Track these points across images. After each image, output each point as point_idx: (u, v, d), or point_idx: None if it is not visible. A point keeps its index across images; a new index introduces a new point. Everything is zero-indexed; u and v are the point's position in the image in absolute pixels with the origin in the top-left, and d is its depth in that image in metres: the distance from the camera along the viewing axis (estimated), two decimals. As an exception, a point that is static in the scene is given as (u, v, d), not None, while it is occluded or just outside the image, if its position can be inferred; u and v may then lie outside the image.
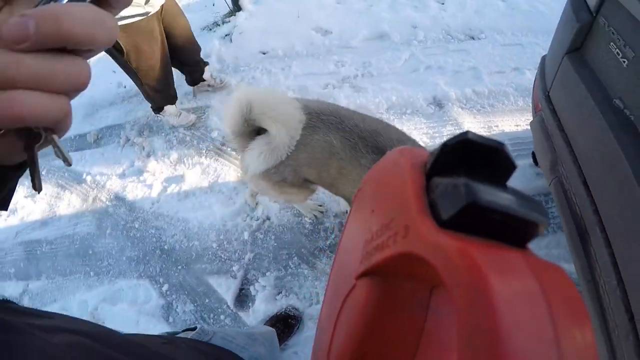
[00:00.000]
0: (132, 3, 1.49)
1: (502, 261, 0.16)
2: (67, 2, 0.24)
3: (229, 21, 3.09)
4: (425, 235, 0.17)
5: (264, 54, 2.73)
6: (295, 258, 1.75)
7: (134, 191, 2.15)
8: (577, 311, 0.15)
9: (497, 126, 2.12)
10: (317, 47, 2.67)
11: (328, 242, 1.78)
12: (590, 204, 1.11)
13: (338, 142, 1.17)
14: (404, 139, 1.23)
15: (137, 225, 2.02)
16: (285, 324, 1.54)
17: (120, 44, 1.71)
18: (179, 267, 1.84)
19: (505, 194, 0.17)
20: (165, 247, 1.91)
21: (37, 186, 0.28)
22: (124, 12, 1.58)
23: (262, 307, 1.64)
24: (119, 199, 2.15)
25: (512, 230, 0.17)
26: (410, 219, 0.18)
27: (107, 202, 2.15)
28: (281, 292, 1.68)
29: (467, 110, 2.17)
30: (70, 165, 0.29)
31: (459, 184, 0.17)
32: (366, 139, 1.15)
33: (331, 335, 0.26)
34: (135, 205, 2.10)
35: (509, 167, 0.19)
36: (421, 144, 2.03)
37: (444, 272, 0.16)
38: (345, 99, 2.27)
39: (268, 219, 1.88)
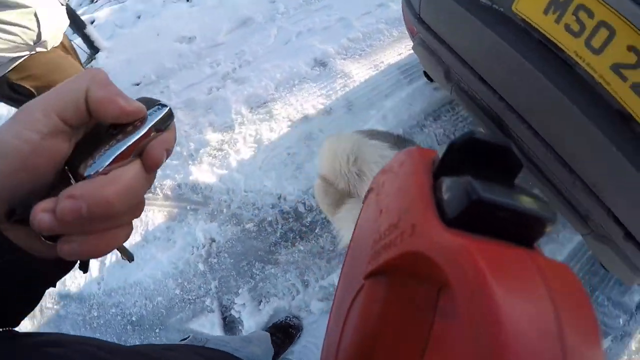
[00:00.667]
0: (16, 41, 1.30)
1: (506, 259, 0.16)
2: (117, 166, 0.26)
3: (92, 66, 2.88)
4: (431, 233, 0.17)
5: (137, 84, 2.59)
6: (257, 264, 1.77)
7: (74, 282, 2.01)
8: (583, 310, 0.15)
9: (382, 62, 2.22)
10: (187, 56, 2.58)
11: (278, 234, 1.81)
12: (493, 94, 1.22)
13: None
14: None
15: (95, 313, 1.91)
16: (285, 334, 1.53)
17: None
18: (157, 330, 1.78)
19: (509, 191, 0.17)
20: (133, 318, 1.84)
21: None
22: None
23: (251, 323, 1.65)
24: (63, 297, 2.00)
25: (519, 228, 0.17)
26: (417, 218, 0.19)
27: (55, 306, 2.00)
28: (261, 301, 1.70)
29: (349, 59, 2.24)
30: (132, 260, 0.36)
31: (463, 182, 0.17)
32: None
33: (340, 335, 0.26)
34: (83, 294, 1.97)
35: (516, 164, 0.19)
36: (320, 107, 2.08)
37: (447, 270, 0.16)
38: (232, 95, 2.24)
39: (213, 240, 1.86)
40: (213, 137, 2.13)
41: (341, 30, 2.37)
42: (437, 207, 0.18)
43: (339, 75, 2.18)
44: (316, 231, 1.77)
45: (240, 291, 1.73)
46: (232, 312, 1.71)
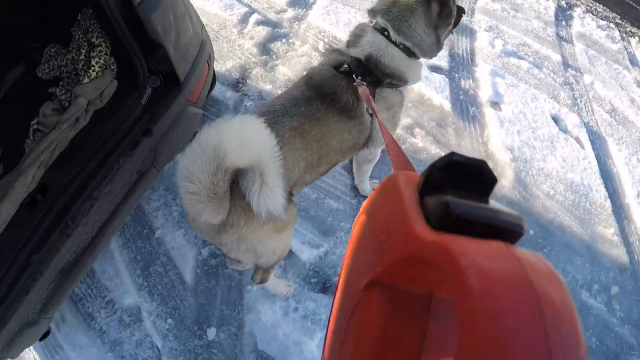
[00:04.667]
0: None
1: (482, 243, 0.18)
2: None
3: None
4: (422, 234, 0.20)
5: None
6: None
7: None
8: (544, 266, 0.18)
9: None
10: None
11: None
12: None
13: (295, 120, 1.14)
14: None
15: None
16: None
17: None
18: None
19: (484, 207, 0.20)
20: None
21: None
22: None
23: None
24: None
25: (494, 237, 0.19)
26: (409, 228, 0.21)
27: None
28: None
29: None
30: None
31: (444, 201, 0.20)
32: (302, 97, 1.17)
33: (340, 346, 0.27)
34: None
35: (491, 180, 0.22)
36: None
37: (437, 260, 0.18)
38: None
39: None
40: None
41: None
42: (425, 221, 0.21)
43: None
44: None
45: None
46: None
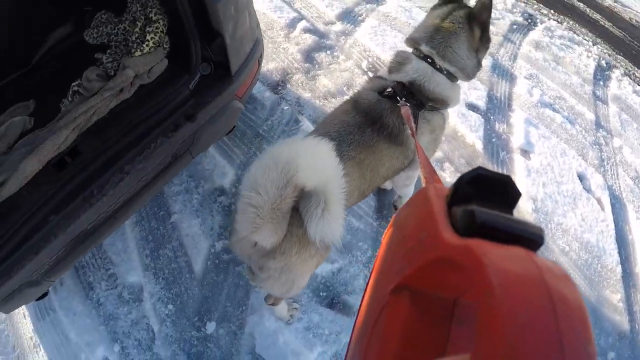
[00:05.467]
0: None
1: (504, 248, 0.19)
2: None
3: None
4: (449, 239, 0.21)
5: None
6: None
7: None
8: (560, 271, 0.19)
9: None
10: None
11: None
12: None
13: (352, 150, 1.16)
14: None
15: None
16: None
17: None
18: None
19: (507, 217, 0.21)
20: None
21: None
22: None
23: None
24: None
25: (517, 245, 0.20)
26: (437, 232, 0.22)
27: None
28: None
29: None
30: None
31: (470, 210, 0.21)
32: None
33: (365, 347, 0.28)
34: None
35: (516, 194, 0.23)
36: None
37: (460, 260, 0.19)
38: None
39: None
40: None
41: None
42: (453, 228, 0.22)
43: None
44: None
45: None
46: None
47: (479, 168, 0.23)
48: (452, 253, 0.20)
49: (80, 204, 1.25)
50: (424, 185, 0.54)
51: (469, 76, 1.29)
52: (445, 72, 1.24)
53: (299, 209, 0.92)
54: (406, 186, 1.60)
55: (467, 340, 0.21)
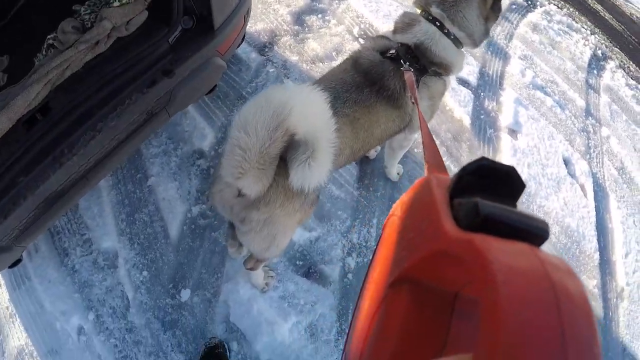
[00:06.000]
0: None
1: (506, 243, 0.19)
2: None
3: None
4: (451, 231, 0.20)
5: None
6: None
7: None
8: (564, 265, 0.18)
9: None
10: None
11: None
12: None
13: (347, 107, 1.13)
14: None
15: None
16: (216, 357, 1.41)
17: None
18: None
19: (510, 209, 0.20)
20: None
21: None
22: None
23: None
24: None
25: (520, 239, 0.19)
26: (439, 224, 0.21)
27: None
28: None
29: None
30: None
31: (473, 201, 0.20)
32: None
33: (364, 339, 0.28)
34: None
35: (520, 185, 0.22)
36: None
37: (462, 254, 0.19)
38: None
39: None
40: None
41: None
42: (454, 220, 0.22)
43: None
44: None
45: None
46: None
47: (482, 158, 0.22)
48: (454, 246, 0.20)
49: (50, 164, 1.18)
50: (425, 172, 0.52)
51: (476, 43, 1.28)
52: (452, 37, 1.21)
53: (286, 159, 0.88)
54: (402, 148, 1.58)
55: (468, 335, 0.21)
